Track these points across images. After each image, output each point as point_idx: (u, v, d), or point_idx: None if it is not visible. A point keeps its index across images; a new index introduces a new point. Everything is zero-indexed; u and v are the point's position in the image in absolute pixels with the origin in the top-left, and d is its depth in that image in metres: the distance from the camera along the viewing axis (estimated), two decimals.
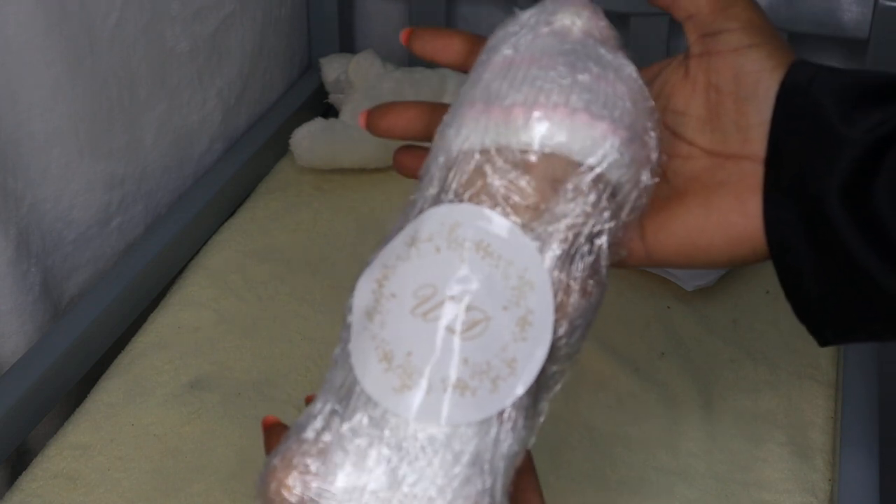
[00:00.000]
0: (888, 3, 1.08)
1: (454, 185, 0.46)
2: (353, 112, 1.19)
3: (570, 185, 0.46)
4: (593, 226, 0.46)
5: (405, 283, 0.45)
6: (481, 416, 0.43)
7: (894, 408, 1.03)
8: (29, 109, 0.90)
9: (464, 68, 0.52)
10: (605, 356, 0.93)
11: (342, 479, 0.43)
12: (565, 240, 0.45)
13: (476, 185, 0.46)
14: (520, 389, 0.44)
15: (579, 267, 0.46)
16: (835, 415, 0.88)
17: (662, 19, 1.18)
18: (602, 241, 0.46)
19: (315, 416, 0.45)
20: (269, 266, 1.05)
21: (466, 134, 0.47)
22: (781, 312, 0.98)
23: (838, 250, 0.45)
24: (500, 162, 0.46)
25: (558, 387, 0.46)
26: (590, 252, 0.46)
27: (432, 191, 0.47)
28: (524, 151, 0.46)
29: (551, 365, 0.45)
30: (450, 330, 0.44)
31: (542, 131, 0.45)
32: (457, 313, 0.44)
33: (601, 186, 0.46)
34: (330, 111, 1.29)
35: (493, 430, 0.44)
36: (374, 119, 0.54)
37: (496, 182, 0.46)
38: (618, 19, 1.15)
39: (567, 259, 0.45)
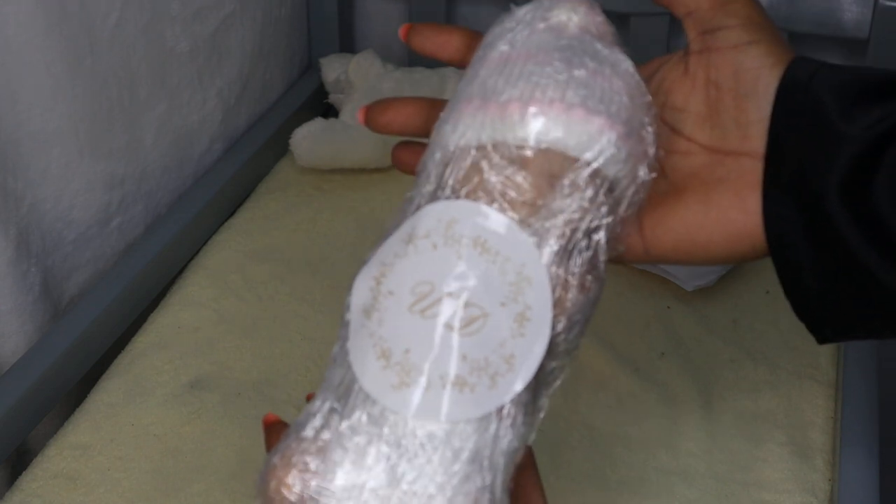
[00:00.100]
0: (888, 3, 1.08)
1: (451, 182, 0.46)
2: (353, 112, 1.19)
3: (566, 181, 0.46)
4: (591, 221, 0.46)
5: (403, 281, 0.45)
6: (480, 412, 0.43)
7: (894, 408, 1.03)
8: (29, 109, 0.90)
9: (463, 64, 0.52)
10: (605, 356, 0.93)
11: (341, 477, 0.43)
12: (563, 235, 0.45)
13: (473, 182, 0.46)
14: (518, 385, 0.44)
15: (577, 262, 0.46)
16: (835, 415, 0.88)
17: (662, 19, 1.18)
18: (600, 236, 0.46)
19: (314, 415, 0.45)
20: (269, 266, 1.05)
21: (463, 130, 0.47)
22: (781, 312, 0.98)
23: (838, 247, 0.45)
24: (496, 158, 0.46)
25: (558, 383, 0.46)
26: (587, 247, 0.46)
27: (429, 187, 0.47)
28: (520, 147, 0.46)
29: (550, 361, 0.45)
30: (448, 327, 0.44)
31: (538, 127, 0.45)
32: (455, 310, 0.44)
33: (598, 182, 0.46)
34: (330, 111, 1.29)
35: (493, 427, 0.44)
36: (372, 115, 0.54)
37: (493, 178, 0.46)
38: (618, 19, 1.15)
39: (565, 255, 0.45)
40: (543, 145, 0.46)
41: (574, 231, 0.46)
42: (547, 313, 0.44)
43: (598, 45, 0.48)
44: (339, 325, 0.47)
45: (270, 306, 1.00)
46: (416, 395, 0.43)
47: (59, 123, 0.92)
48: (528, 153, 0.46)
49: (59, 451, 0.84)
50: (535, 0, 0.50)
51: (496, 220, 0.45)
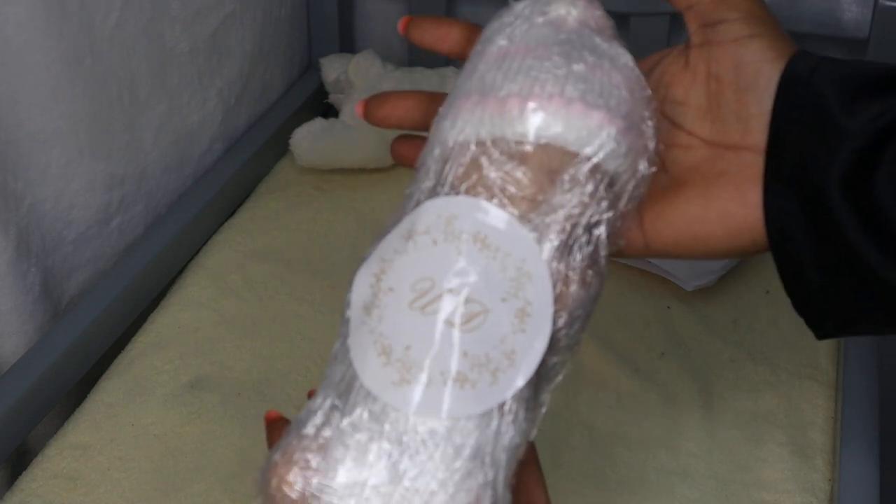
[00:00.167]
0: (888, 3, 1.08)
1: (450, 178, 0.46)
2: (352, 112, 1.19)
3: (566, 176, 0.45)
4: (591, 216, 0.46)
5: (403, 277, 0.45)
6: (482, 408, 0.43)
7: (894, 407, 1.03)
8: (29, 109, 0.90)
9: (462, 57, 0.52)
10: (605, 356, 0.93)
11: (343, 475, 0.43)
12: (563, 230, 0.45)
13: (472, 178, 0.46)
14: (520, 381, 0.44)
15: (578, 257, 0.46)
16: (835, 414, 0.88)
17: (662, 18, 1.18)
18: (600, 231, 0.46)
19: (315, 412, 0.44)
20: (269, 266, 1.05)
21: (462, 126, 0.47)
22: (781, 312, 0.98)
23: (838, 241, 0.45)
24: (495, 154, 0.46)
25: (559, 378, 0.46)
26: (588, 242, 0.46)
27: (428, 183, 0.47)
28: (520, 143, 0.45)
29: (552, 356, 0.45)
30: (448, 323, 0.44)
31: (537, 122, 0.45)
32: (455, 306, 0.44)
33: (598, 176, 0.46)
34: (330, 111, 1.29)
35: (494, 423, 0.44)
36: (371, 108, 0.54)
37: (492, 174, 0.45)
38: (618, 19, 1.15)
39: (565, 250, 0.45)
40: (543, 140, 0.45)
41: (574, 226, 0.45)
42: (548, 309, 0.44)
43: (597, 40, 0.48)
44: (338, 325, 0.47)
45: (270, 306, 1.00)
46: (417, 392, 0.43)
47: (59, 123, 0.92)
48: (528, 148, 0.45)
49: (59, 451, 0.84)
50: None
51: (496, 216, 0.45)
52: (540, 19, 0.48)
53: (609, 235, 0.47)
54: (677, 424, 0.87)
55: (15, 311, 0.90)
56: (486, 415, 0.44)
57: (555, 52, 0.47)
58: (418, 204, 0.47)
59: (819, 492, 0.81)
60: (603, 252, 0.47)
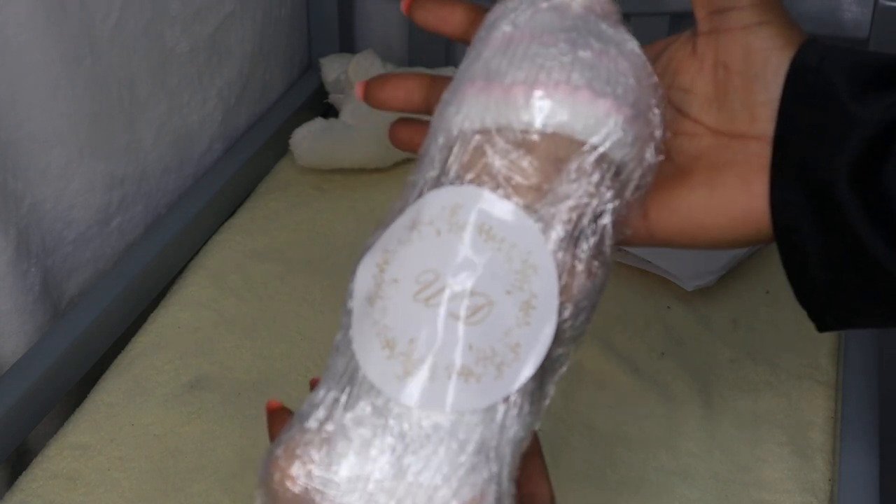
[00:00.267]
0: (888, 3, 1.08)
1: (455, 167, 0.45)
2: (353, 112, 1.19)
3: (573, 165, 0.45)
4: (597, 206, 0.45)
5: (407, 268, 0.44)
6: (486, 402, 0.43)
7: (894, 407, 1.03)
8: (29, 109, 0.90)
9: (465, 39, 0.51)
10: (605, 356, 0.93)
11: (346, 469, 0.42)
12: (569, 221, 0.44)
13: (477, 167, 0.45)
14: (525, 375, 0.43)
15: (583, 248, 0.45)
16: (835, 414, 0.88)
17: (662, 19, 1.18)
18: (606, 220, 0.45)
19: (317, 406, 0.44)
20: (269, 266, 1.05)
21: (466, 113, 0.46)
22: (781, 312, 0.98)
23: (845, 233, 0.44)
24: (501, 142, 0.45)
25: (563, 369, 0.46)
26: (594, 233, 0.45)
27: (433, 173, 0.46)
28: (526, 131, 0.45)
29: (557, 348, 0.45)
30: (453, 315, 0.43)
31: (543, 110, 0.44)
32: (460, 298, 0.43)
33: (605, 165, 0.45)
34: (330, 111, 1.29)
35: (499, 417, 0.43)
36: (371, 90, 0.53)
37: (497, 163, 0.45)
38: None
39: (571, 240, 0.45)
40: (549, 129, 0.44)
41: (580, 216, 0.45)
42: (553, 301, 0.44)
43: (603, 26, 0.47)
44: (339, 326, 0.47)
45: (270, 306, 1.00)
46: (421, 386, 0.43)
47: (59, 123, 0.92)
48: (534, 137, 0.45)
49: (59, 451, 0.84)
50: None
51: (501, 207, 0.44)
52: (544, 5, 0.47)
53: (614, 225, 0.46)
54: (677, 424, 0.87)
55: (15, 311, 0.90)
56: (491, 409, 0.43)
57: (560, 38, 0.46)
58: (422, 193, 0.46)
59: (819, 492, 0.81)
60: (608, 242, 0.46)
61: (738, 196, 0.47)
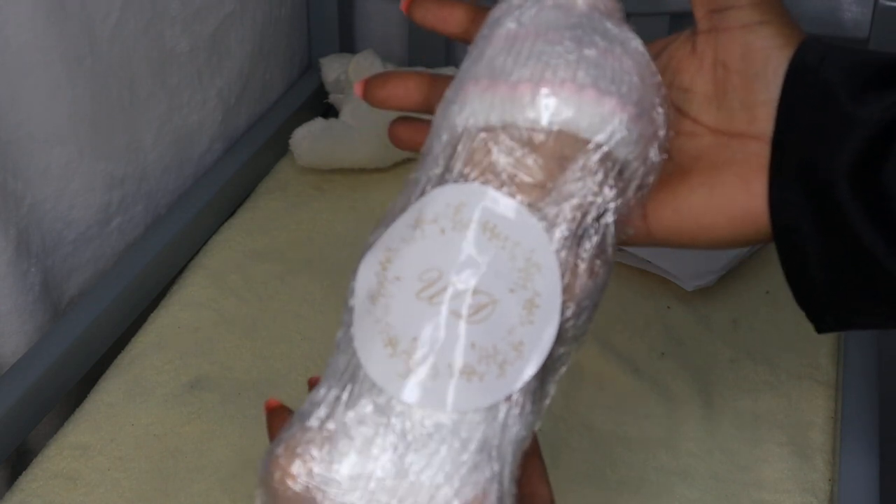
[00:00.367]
0: (888, 3, 1.08)
1: (459, 165, 0.45)
2: (353, 112, 1.19)
3: (577, 164, 0.45)
4: (601, 205, 0.45)
5: (410, 266, 0.44)
6: (489, 401, 0.43)
7: (894, 407, 1.03)
8: (29, 109, 0.90)
9: (465, 39, 0.51)
10: (605, 356, 0.93)
11: (347, 467, 0.42)
12: (573, 220, 0.44)
13: (481, 164, 0.45)
14: (528, 374, 0.43)
15: (586, 247, 0.45)
16: (835, 415, 0.88)
17: (662, 19, 1.18)
18: (609, 219, 0.46)
19: (319, 404, 0.44)
20: (269, 266, 1.05)
21: (471, 111, 0.46)
22: (781, 312, 0.98)
23: (845, 233, 0.44)
24: (506, 140, 0.45)
25: (565, 368, 0.45)
26: (597, 232, 0.45)
27: (436, 170, 0.46)
28: (531, 129, 0.45)
29: (559, 347, 0.45)
30: (455, 314, 0.43)
31: (549, 108, 0.44)
32: (463, 297, 0.43)
33: (609, 164, 0.45)
34: (330, 111, 1.29)
35: (501, 416, 0.43)
36: (371, 88, 0.53)
37: (502, 160, 0.45)
38: None
39: (574, 239, 0.45)
40: (555, 127, 0.44)
41: (584, 215, 0.45)
42: (556, 299, 0.44)
43: (608, 24, 0.47)
44: (339, 326, 0.46)
45: (270, 306, 1.00)
46: (423, 385, 0.43)
47: (59, 123, 0.92)
48: (540, 135, 0.45)
49: (59, 451, 0.84)
50: None
51: (505, 205, 0.44)
52: (549, 2, 0.47)
53: (617, 224, 0.46)
54: (677, 424, 0.87)
55: (15, 311, 0.90)
56: (493, 408, 0.43)
57: (566, 36, 0.46)
58: (424, 191, 0.46)
59: (819, 492, 0.81)
60: (611, 241, 0.46)
61: (737, 196, 0.47)
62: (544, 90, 0.45)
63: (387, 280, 0.45)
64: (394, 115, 0.55)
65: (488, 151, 0.45)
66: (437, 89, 0.49)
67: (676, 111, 0.50)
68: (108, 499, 0.80)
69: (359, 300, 0.45)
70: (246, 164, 1.15)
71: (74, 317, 0.92)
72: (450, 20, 0.52)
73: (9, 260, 0.88)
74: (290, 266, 1.05)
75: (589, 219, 0.45)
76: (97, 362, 0.93)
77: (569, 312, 0.44)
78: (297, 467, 0.43)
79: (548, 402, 0.46)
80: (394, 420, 0.43)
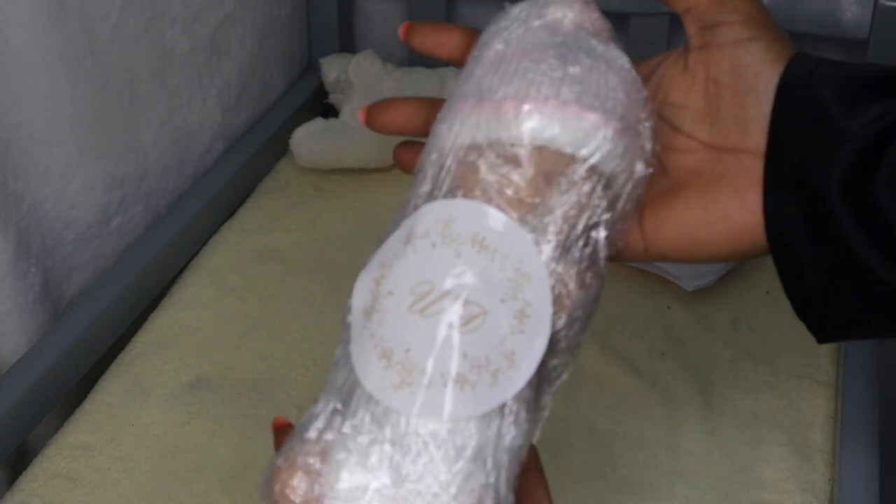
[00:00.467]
0: (888, 3, 1.08)
1: (447, 182, 0.46)
2: (353, 112, 1.19)
3: (563, 178, 0.45)
4: (589, 217, 0.46)
5: (402, 281, 0.45)
6: (482, 409, 0.43)
7: (894, 407, 1.03)
8: (29, 109, 0.90)
9: (462, 62, 0.52)
10: (605, 356, 0.93)
11: (345, 478, 0.43)
12: (561, 231, 0.45)
13: (469, 181, 0.46)
14: (520, 382, 0.44)
15: (576, 259, 0.46)
16: (835, 415, 0.88)
17: (662, 19, 1.18)
18: (598, 232, 0.46)
19: (317, 416, 0.45)
20: (269, 266, 1.05)
21: (458, 129, 0.47)
22: (781, 312, 0.98)
23: (839, 244, 0.45)
24: (492, 157, 0.46)
25: (561, 380, 0.46)
26: (586, 244, 0.46)
27: (426, 188, 0.47)
28: (515, 145, 0.46)
29: (552, 358, 0.45)
30: (448, 325, 0.44)
31: (532, 125, 0.45)
32: (454, 308, 0.44)
33: (595, 178, 0.46)
34: (330, 111, 1.29)
35: (495, 424, 0.44)
36: (373, 115, 0.54)
37: (489, 177, 0.46)
38: (617, 19, 1.15)
39: (564, 251, 0.45)
40: (538, 143, 0.45)
41: (572, 227, 0.46)
42: (546, 309, 0.44)
43: (594, 42, 0.48)
44: (339, 326, 0.47)
45: (270, 306, 1.00)
46: (418, 395, 0.43)
47: (59, 123, 0.92)
48: (524, 151, 0.45)
49: (59, 451, 0.84)
50: None
51: (494, 218, 0.45)
52: (536, 22, 0.48)
53: (608, 237, 0.47)
54: (677, 424, 0.87)
55: (15, 311, 0.90)
56: (487, 416, 0.44)
57: (551, 54, 0.47)
58: (416, 208, 0.47)
59: (819, 492, 0.81)
60: (602, 254, 0.47)
61: (732, 210, 0.48)
62: (527, 107, 0.45)
63: (380, 295, 0.45)
64: None
65: (476, 169, 0.46)
66: (436, 113, 0.50)
67: (670, 128, 0.50)
68: (108, 499, 0.80)
69: (355, 317, 0.46)
70: (246, 164, 1.15)
71: (74, 317, 0.92)
72: (447, 44, 0.53)
73: (9, 260, 0.88)
74: (290, 266, 1.05)
75: (577, 231, 0.46)
76: (97, 362, 0.94)
77: (560, 323, 0.45)
78: (296, 479, 0.44)
79: (545, 414, 0.46)
80: (390, 430, 0.43)
